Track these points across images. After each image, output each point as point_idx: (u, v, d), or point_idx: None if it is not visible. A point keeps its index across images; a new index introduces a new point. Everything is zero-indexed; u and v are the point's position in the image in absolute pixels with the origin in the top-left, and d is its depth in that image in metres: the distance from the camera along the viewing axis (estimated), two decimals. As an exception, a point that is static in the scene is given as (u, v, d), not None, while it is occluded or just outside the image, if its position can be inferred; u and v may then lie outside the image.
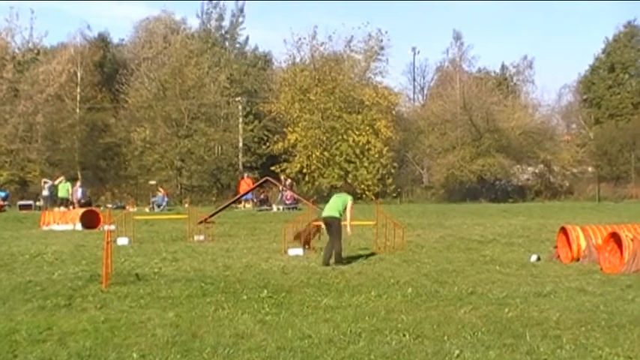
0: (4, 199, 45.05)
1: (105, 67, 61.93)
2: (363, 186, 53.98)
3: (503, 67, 72.48)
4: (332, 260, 14.92)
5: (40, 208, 41.68)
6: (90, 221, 27.01)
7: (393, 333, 8.32)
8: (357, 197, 53.58)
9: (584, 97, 69.71)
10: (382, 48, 58.58)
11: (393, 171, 55.21)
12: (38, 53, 57.57)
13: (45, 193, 41.56)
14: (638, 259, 13.22)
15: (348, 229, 15.58)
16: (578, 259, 15.00)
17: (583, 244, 15.12)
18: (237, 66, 61.90)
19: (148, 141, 55.69)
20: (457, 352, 7.44)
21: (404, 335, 8.21)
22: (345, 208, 15.52)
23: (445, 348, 7.62)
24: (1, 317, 9.30)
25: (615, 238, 14.06)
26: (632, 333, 8.25)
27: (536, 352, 7.44)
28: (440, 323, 8.86)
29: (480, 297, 10.78)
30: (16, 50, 57.59)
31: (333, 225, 15.41)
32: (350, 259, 15.81)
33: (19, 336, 8.19)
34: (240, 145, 57.36)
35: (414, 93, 72.11)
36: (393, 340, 8.03)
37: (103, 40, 63.77)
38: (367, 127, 54.72)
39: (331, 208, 15.56)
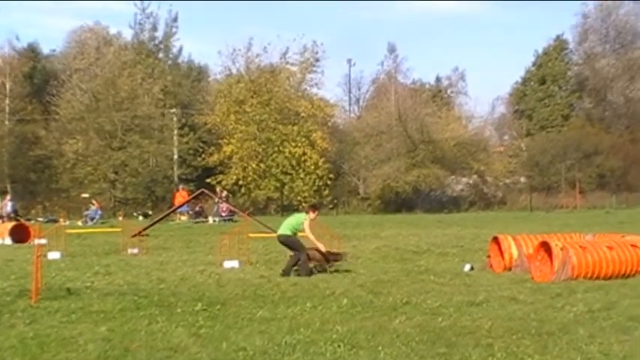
0: None
1: (35, 78, 60.77)
2: (299, 197, 54.09)
3: (437, 79, 73.58)
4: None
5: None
6: (20, 235, 26.41)
7: (328, 344, 8.32)
8: (293, 209, 53.86)
9: (516, 108, 71.12)
10: (317, 60, 58.92)
11: (329, 182, 55.39)
12: (-35, 63, 56.30)
13: None
14: (568, 268, 13.50)
15: (320, 245, 15.64)
16: (510, 269, 15.25)
17: (515, 253, 15.38)
18: (171, 77, 61.34)
19: (81, 153, 54.73)
20: (391, 361, 7.48)
21: (339, 346, 8.21)
22: (298, 227, 15.69)
23: (380, 358, 7.66)
24: None
25: (545, 247, 14.34)
26: (560, 340, 8.42)
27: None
28: (374, 333, 8.89)
29: (414, 307, 10.87)
30: (-58, 61, 56.26)
31: (286, 242, 15.68)
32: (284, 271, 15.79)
33: (-56, 354, 7.97)
34: (175, 157, 56.89)
35: (349, 105, 72.64)
36: (327, 350, 8.02)
37: (32, 51, 62.53)
38: (303, 139, 54.89)
39: (283, 227, 15.79)
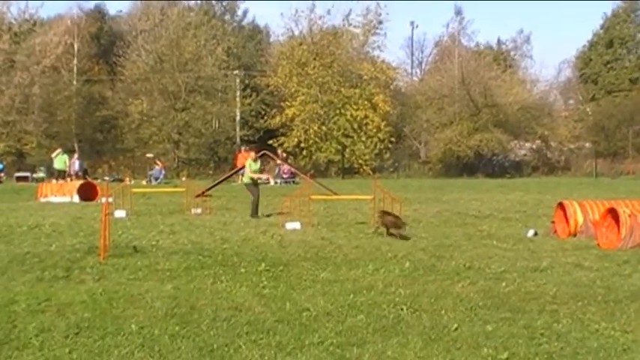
0: (1, 170, 45.00)
1: (102, 39, 61.68)
2: (360, 160, 54.10)
3: (499, 41, 72.30)
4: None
5: (37, 180, 41.77)
6: (87, 194, 26.97)
7: (391, 306, 8.33)
8: (354, 172, 53.92)
9: (582, 72, 69.55)
10: (381, 22, 58.54)
11: (390, 145, 55.26)
12: (34, 24, 57.25)
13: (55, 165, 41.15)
14: (635, 235, 13.24)
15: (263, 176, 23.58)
16: (575, 235, 15.03)
17: (580, 219, 15.14)
18: (234, 39, 61.57)
19: (145, 114, 55.60)
20: (455, 325, 7.45)
21: (401, 309, 8.22)
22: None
23: (443, 322, 7.64)
24: (0, 288, 9.31)
25: (612, 213, 14.08)
26: (628, 308, 8.28)
27: (533, 325, 7.46)
28: (437, 297, 8.87)
29: (477, 271, 10.80)
30: (12, 21, 57.28)
31: (249, 189, 20.48)
32: (347, 234, 15.85)
33: (18, 307, 8.20)
34: (238, 118, 57.29)
35: (412, 67, 71.95)
36: (390, 313, 8.04)
37: (99, 12, 63.46)
38: (365, 102, 54.72)
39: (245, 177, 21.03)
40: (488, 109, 58.19)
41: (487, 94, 58.54)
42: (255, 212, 19.71)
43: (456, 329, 7.35)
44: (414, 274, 10.60)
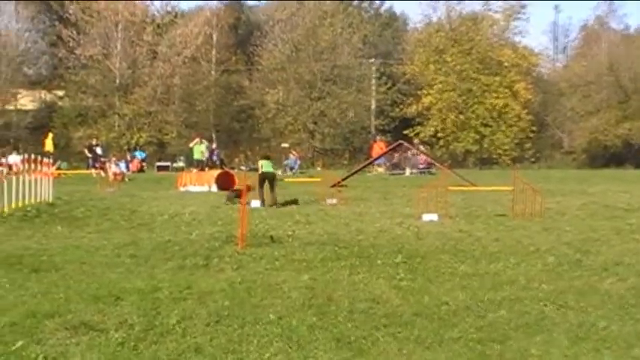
0: (144, 159, 46.69)
1: (239, 29, 62.88)
2: (499, 150, 53.01)
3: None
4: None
5: (176, 169, 43.18)
6: (225, 183, 27.46)
7: (534, 302, 8.03)
8: (492, 162, 52.84)
9: None
10: (523, 6, 56.85)
11: (531, 135, 53.81)
12: (176, 16, 58.96)
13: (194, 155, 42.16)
14: None
15: None
16: None
17: None
18: (371, 27, 61.41)
19: (281, 103, 56.26)
20: (603, 324, 7.10)
21: (545, 305, 7.91)
22: None
23: (590, 320, 7.28)
24: (144, 275, 9.56)
25: None
26: None
27: (691, 327, 6.99)
28: (584, 294, 8.48)
29: (627, 268, 10.25)
30: (156, 13, 59.31)
31: (274, 178, 21.32)
32: (486, 226, 15.46)
33: (161, 294, 8.37)
34: (373, 107, 57.15)
35: (555, 53, 69.68)
36: (533, 309, 7.74)
37: (237, 2, 64.73)
38: (505, 90, 53.46)
39: (270, 166, 21.35)
40: (638, 96, 55.69)
41: (638, 79, 56.00)
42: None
43: (605, 328, 7.01)
44: (558, 269, 10.19)
